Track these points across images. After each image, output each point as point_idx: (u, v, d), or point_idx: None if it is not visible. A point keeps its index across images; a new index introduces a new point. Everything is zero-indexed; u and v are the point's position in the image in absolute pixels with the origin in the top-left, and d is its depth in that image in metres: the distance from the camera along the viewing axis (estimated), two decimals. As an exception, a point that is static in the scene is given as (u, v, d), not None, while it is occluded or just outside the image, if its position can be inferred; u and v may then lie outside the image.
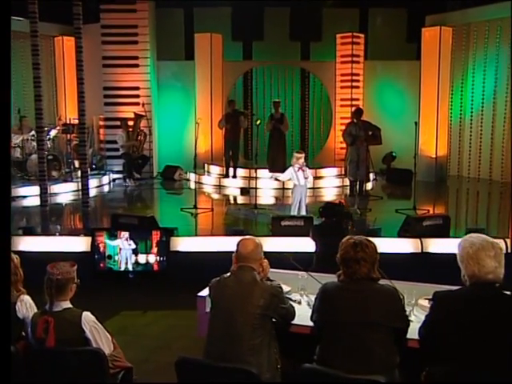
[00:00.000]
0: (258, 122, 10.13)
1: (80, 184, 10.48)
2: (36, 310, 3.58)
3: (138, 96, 13.52)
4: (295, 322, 3.63)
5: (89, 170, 10.49)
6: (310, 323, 3.52)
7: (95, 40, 13.14)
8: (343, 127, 13.88)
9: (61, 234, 7.94)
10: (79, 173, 11.88)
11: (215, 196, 11.71)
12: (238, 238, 7.15)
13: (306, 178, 8.41)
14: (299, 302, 4.02)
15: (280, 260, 4.28)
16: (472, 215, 10.41)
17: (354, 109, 11.23)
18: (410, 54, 14.37)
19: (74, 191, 11.27)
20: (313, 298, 3.63)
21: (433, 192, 12.04)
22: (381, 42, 14.53)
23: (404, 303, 3.51)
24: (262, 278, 3.56)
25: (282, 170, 10.98)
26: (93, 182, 11.39)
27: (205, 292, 4.01)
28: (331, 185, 12.34)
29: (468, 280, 3.00)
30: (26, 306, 3.58)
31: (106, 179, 12.67)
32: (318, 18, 14.97)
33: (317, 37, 15.01)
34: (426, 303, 3.86)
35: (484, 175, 12.83)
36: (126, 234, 6.58)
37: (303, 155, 8.48)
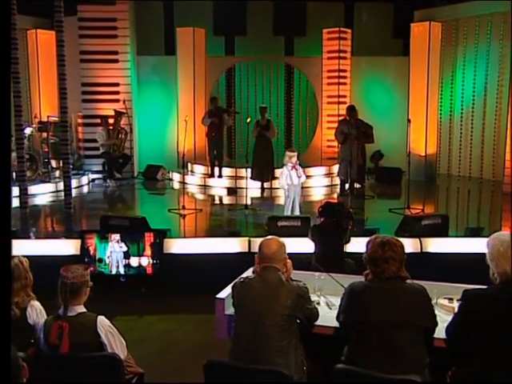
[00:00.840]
0: (249, 119, 9.69)
1: (58, 185, 9.91)
2: (46, 316, 3.48)
3: (117, 92, 12.95)
4: (317, 322, 3.57)
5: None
6: (333, 324, 3.47)
7: (72, 34, 12.47)
8: (330, 125, 13.87)
9: (46, 237, 7.45)
10: (57, 173, 11.34)
11: (201, 196, 11.24)
12: (233, 240, 6.89)
13: (299, 177, 8.06)
14: (318, 303, 3.90)
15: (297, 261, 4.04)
16: (466, 214, 10.18)
17: (347, 105, 10.86)
18: (397, 49, 14.12)
19: (52, 192, 10.69)
20: (331, 298, 3.71)
21: (423, 191, 11.76)
22: (367, 38, 14.22)
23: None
24: (287, 278, 3.46)
25: (268, 180, 10.68)
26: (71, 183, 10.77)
27: (223, 294, 3.87)
28: (320, 184, 11.99)
29: (498, 278, 2.96)
30: (36, 311, 3.49)
31: (85, 179, 12.11)
32: (302, 12, 14.60)
33: (301, 32, 14.64)
34: (446, 302, 3.84)
35: (475, 173, 12.61)
36: (116, 237, 6.25)
37: (296, 153, 8.14)
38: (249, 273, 3.80)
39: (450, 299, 3.87)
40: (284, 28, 14.56)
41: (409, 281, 3.28)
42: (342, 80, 13.70)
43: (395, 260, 3.21)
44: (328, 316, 3.51)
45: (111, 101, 12.70)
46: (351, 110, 10.17)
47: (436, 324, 3.27)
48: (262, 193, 10.91)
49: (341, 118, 11.09)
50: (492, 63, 12.04)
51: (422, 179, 12.16)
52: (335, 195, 10.96)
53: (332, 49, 13.66)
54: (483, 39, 12.15)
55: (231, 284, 3.59)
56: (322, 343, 3.58)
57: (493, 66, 12.02)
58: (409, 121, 9.86)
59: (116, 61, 13.04)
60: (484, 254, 3.08)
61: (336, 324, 3.46)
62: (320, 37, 13.74)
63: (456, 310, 3.37)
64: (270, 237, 3.61)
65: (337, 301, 3.55)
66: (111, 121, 12.09)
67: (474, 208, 10.70)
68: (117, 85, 13.05)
